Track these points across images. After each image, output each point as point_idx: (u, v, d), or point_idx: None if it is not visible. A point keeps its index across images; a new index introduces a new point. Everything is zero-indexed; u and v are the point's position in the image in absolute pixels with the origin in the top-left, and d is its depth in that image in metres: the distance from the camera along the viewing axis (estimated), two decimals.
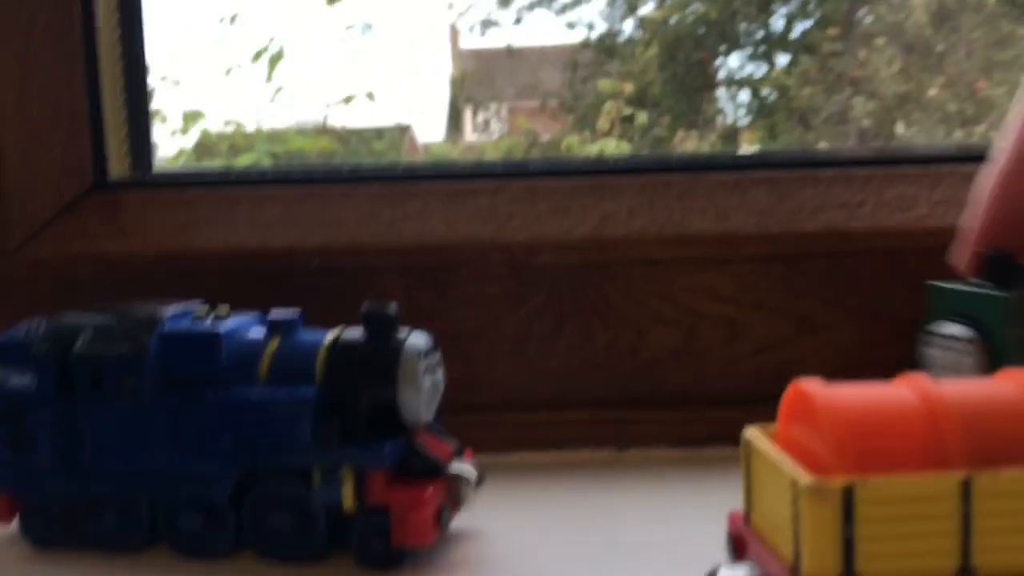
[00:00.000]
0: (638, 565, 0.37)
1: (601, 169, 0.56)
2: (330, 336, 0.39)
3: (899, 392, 0.27)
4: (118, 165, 0.57)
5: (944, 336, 0.39)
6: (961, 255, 0.42)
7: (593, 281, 0.53)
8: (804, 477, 0.25)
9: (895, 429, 0.26)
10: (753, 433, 0.30)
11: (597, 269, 0.53)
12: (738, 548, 0.30)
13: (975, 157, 0.56)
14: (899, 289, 0.52)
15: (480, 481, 0.39)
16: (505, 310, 0.52)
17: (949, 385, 0.27)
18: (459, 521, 0.40)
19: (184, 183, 0.55)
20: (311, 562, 0.38)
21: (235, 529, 0.38)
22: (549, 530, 0.41)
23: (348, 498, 0.36)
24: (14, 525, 0.40)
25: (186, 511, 0.38)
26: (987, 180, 0.41)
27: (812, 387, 0.27)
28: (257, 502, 0.38)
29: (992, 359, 0.38)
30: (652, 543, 0.39)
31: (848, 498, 0.25)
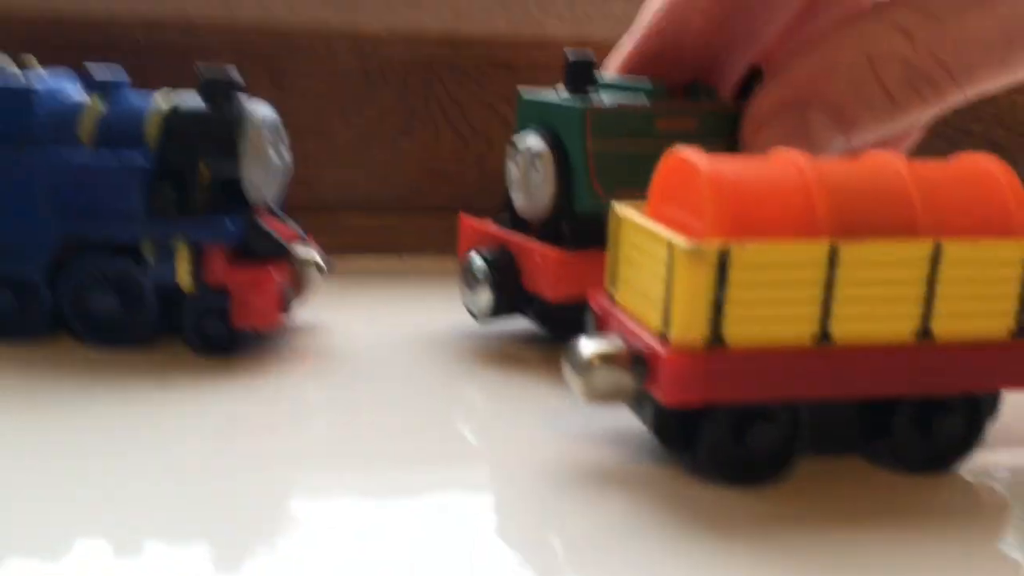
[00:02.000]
0: (487, 357, 0.37)
1: None
2: (162, 99, 0.35)
3: (774, 165, 0.27)
4: None
5: (519, 148, 0.36)
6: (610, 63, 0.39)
7: (444, 82, 0.50)
8: (681, 240, 0.25)
9: (770, 199, 0.26)
10: (621, 208, 0.29)
11: (449, 69, 0.50)
12: (601, 324, 0.29)
13: None
14: None
15: (328, 267, 0.37)
16: (349, 104, 0.49)
17: (823, 162, 0.27)
18: (300, 315, 0.38)
19: None
20: (138, 346, 0.35)
21: (51, 308, 0.35)
22: (395, 325, 0.40)
23: (184, 276, 0.34)
24: None
25: None
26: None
27: (693, 156, 0.27)
28: (78, 278, 0.34)
29: (565, 173, 0.35)
30: (503, 335, 0.38)
31: (723, 261, 0.25)
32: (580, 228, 0.35)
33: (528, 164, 0.35)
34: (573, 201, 0.35)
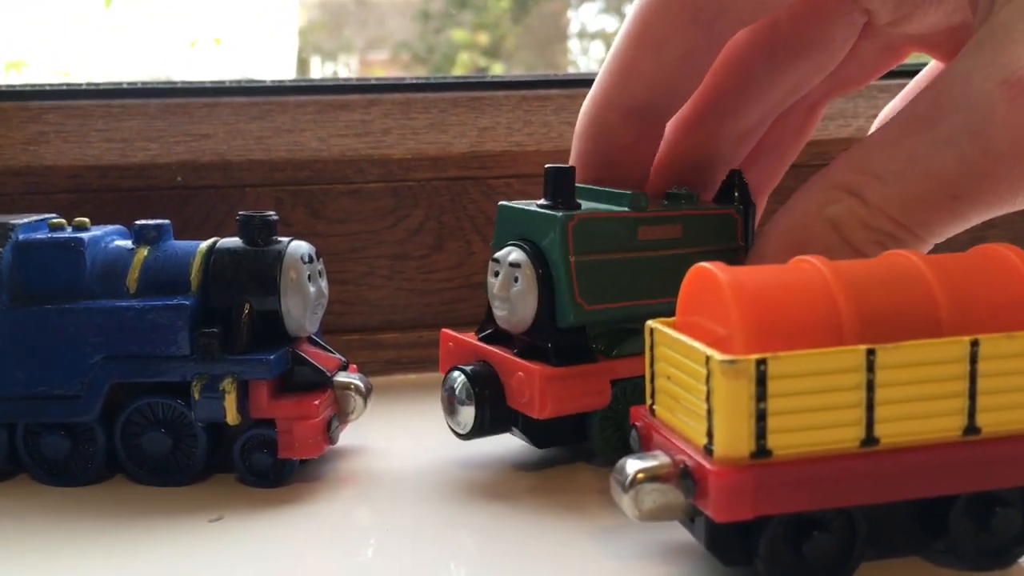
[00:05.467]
0: (529, 473, 0.37)
1: (479, 84, 0.54)
2: (205, 244, 0.36)
3: (796, 272, 0.27)
4: None
5: (500, 261, 0.35)
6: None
7: (472, 197, 0.51)
8: (718, 354, 0.25)
9: (794, 303, 0.26)
10: (656, 324, 0.29)
11: (476, 184, 0.52)
12: (644, 441, 0.30)
13: None
14: (768, 201, 0.53)
15: (369, 392, 0.37)
16: (382, 227, 0.51)
17: (843, 264, 0.27)
18: (344, 437, 0.39)
19: (28, 95, 0.50)
20: (190, 483, 0.36)
21: (106, 452, 0.36)
22: (438, 443, 0.40)
23: (231, 411, 0.34)
24: None
25: (51, 434, 0.35)
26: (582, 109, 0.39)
27: (715, 268, 0.27)
28: (130, 420, 0.35)
29: (546, 285, 0.34)
30: (547, 452, 0.39)
31: (761, 373, 0.25)
32: (563, 342, 0.34)
33: (509, 277, 0.34)
34: (556, 314, 0.34)
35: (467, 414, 0.35)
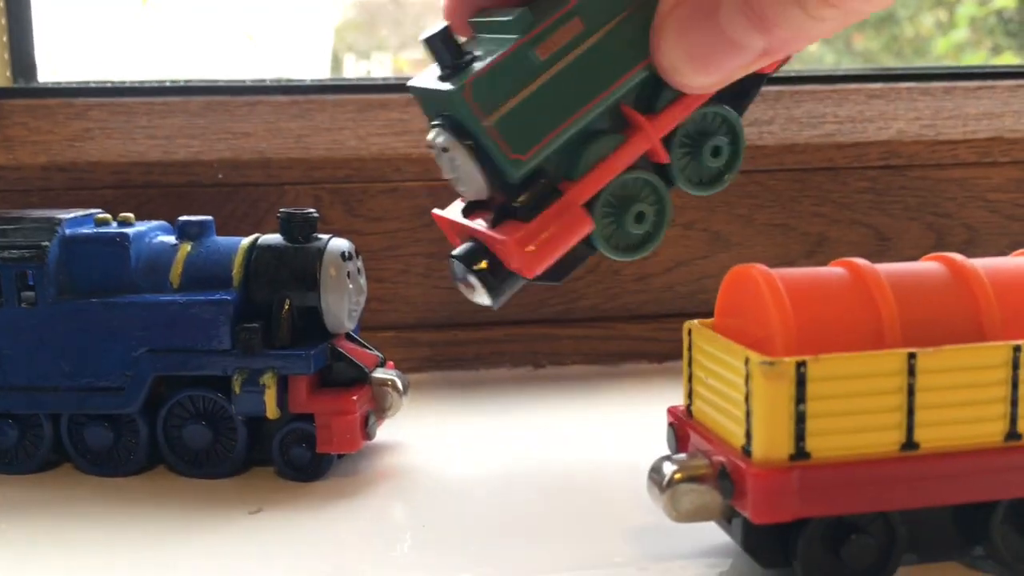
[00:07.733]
0: (564, 473, 0.37)
1: None
2: (247, 240, 0.37)
3: (836, 274, 0.27)
4: None
5: (433, 147, 0.33)
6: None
7: None
8: (757, 355, 0.25)
9: (836, 308, 0.26)
10: (695, 324, 0.30)
11: None
12: (680, 440, 0.30)
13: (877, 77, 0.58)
14: (807, 204, 0.53)
15: (406, 388, 0.38)
16: (419, 226, 0.51)
17: (884, 267, 0.27)
18: (381, 433, 0.39)
19: (74, 92, 0.51)
20: (230, 475, 0.36)
21: (148, 443, 0.36)
22: (473, 440, 0.40)
23: (271, 405, 0.35)
24: None
25: (94, 425, 0.36)
26: None
27: (754, 270, 0.27)
28: (172, 413, 0.36)
29: (481, 152, 0.31)
30: (580, 451, 0.39)
31: (800, 375, 0.25)
32: (525, 193, 0.32)
33: (448, 160, 0.33)
34: (503, 175, 0.32)
35: (480, 291, 0.34)
